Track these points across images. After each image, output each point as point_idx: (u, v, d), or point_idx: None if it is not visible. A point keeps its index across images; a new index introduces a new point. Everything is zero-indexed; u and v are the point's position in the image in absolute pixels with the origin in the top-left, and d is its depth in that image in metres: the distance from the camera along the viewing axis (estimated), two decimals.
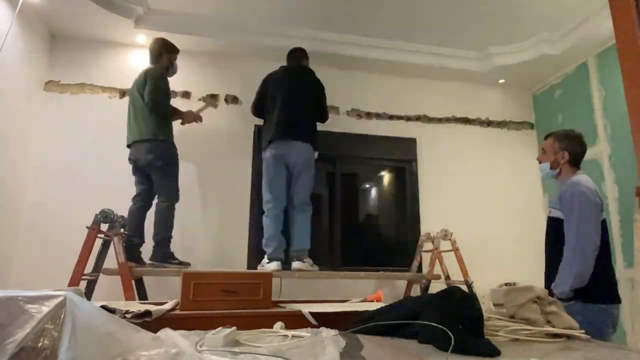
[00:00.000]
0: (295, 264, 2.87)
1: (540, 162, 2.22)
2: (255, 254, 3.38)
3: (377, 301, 2.13)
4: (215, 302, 1.49)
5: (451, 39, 3.73)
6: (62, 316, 0.76)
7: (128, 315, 1.21)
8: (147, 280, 2.83)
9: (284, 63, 3.89)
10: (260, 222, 3.18)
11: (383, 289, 3.12)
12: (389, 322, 1.16)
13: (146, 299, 2.67)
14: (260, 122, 3.31)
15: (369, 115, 3.91)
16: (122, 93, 3.45)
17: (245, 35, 3.56)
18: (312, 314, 1.40)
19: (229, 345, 1.00)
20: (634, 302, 3.02)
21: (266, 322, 1.30)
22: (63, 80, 3.38)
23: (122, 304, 1.46)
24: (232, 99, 3.67)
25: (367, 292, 2.98)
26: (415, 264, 3.37)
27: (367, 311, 1.35)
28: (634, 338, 2.97)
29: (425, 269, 3.32)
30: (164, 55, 3.06)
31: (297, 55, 3.28)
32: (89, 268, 2.62)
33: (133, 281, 2.58)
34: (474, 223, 3.77)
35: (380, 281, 3.43)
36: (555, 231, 2.05)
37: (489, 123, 4.18)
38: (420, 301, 1.21)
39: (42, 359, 0.71)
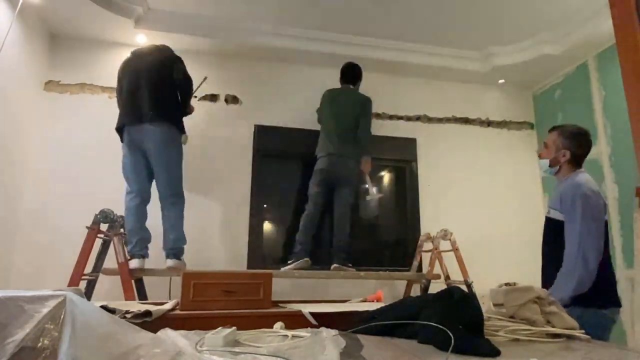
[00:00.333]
0: (168, 262, 2.68)
1: (540, 157, 2.12)
2: (255, 254, 3.39)
3: (377, 301, 2.14)
4: (215, 302, 1.49)
5: (451, 39, 3.73)
6: (62, 316, 0.76)
7: (128, 315, 1.21)
8: (147, 280, 2.83)
9: (284, 63, 3.91)
10: (261, 221, 3.18)
11: (383, 289, 3.11)
12: (389, 322, 1.16)
13: (146, 299, 2.67)
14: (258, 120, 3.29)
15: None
16: None
17: (245, 35, 3.56)
18: (312, 314, 1.40)
19: (229, 345, 1.00)
20: (634, 302, 3.01)
21: (266, 322, 1.31)
22: (63, 80, 3.38)
23: (122, 304, 1.46)
24: (232, 99, 3.67)
25: (367, 292, 2.98)
26: (415, 264, 3.37)
27: (367, 311, 1.35)
28: (634, 338, 2.97)
29: (425, 269, 3.32)
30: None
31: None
32: (89, 268, 2.62)
33: (133, 281, 2.58)
34: (473, 223, 3.77)
35: (380, 281, 3.43)
36: (553, 233, 1.95)
37: (489, 123, 4.18)
38: (420, 301, 1.21)
39: (42, 359, 0.71)
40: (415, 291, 3.32)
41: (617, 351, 1.00)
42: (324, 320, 1.38)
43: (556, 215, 1.94)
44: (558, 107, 3.99)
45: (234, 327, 1.12)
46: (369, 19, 3.46)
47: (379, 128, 3.89)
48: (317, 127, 3.61)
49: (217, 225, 3.37)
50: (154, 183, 2.77)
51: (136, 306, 1.41)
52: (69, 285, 2.38)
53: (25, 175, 3.11)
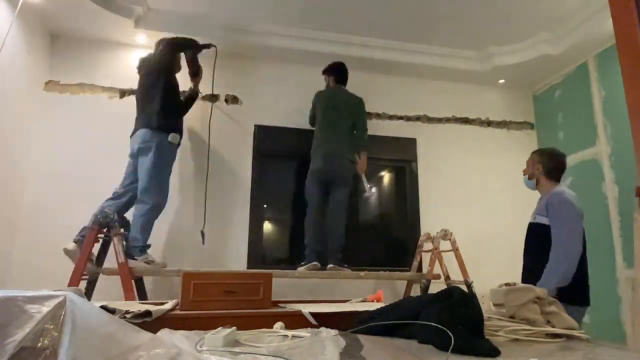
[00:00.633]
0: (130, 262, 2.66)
1: (523, 174, 2.50)
2: (255, 254, 3.39)
3: (377, 301, 2.14)
4: (215, 302, 1.49)
5: (451, 39, 3.73)
6: (62, 316, 0.76)
7: (128, 315, 1.21)
8: (147, 280, 2.83)
9: (284, 62, 3.90)
10: (261, 221, 3.17)
11: (383, 289, 3.11)
12: (389, 322, 1.16)
13: (146, 299, 2.67)
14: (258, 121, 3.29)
15: (369, 115, 3.90)
16: (122, 93, 3.45)
17: (245, 35, 3.56)
18: (312, 314, 1.40)
19: (229, 345, 1.00)
20: (634, 302, 3.01)
21: (266, 322, 1.31)
22: (63, 80, 3.38)
23: (122, 304, 1.46)
24: (232, 99, 3.67)
25: (367, 292, 2.99)
26: (415, 264, 3.37)
27: (367, 311, 1.35)
28: (634, 338, 2.97)
29: (425, 269, 3.32)
30: None
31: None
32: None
33: (133, 281, 2.57)
34: (474, 223, 3.77)
35: (380, 281, 3.43)
36: (538, 236, 2.24)
37: (489, 123, 4.18)
38: (420, 301, 1.21)
39: (42, 359, 0.71)
40: (415, 291, 3.32)
41: (617, 351, 1.00)
42: (324, 320, 1.38)
43: (543, 220, 2.23)
44: (558, 107, 3.99)
45: (234, 327, 1.12)
46: (369, 19, 3.46)
47: (379, 128, 3.90)
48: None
49: (217, 225, 3.37)
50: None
51: (136, 306, 1.41)
52: (69, 285, 2.38)
53: (25, 175, 3.11)
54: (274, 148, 3.68)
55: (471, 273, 3.06)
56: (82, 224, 2.65)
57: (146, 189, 2.77)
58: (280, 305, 1.73)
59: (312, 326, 1.35)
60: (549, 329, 1.16)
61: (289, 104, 3.75)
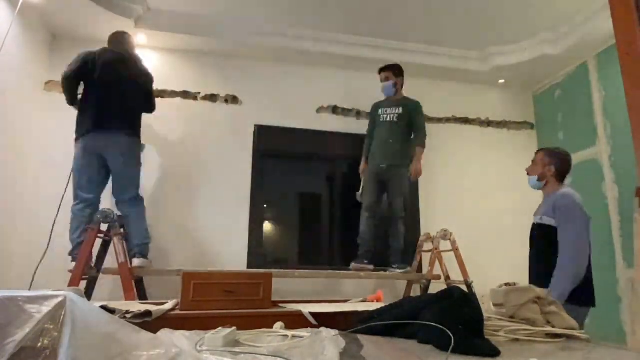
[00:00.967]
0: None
1: (528, 174, 2.42)
2: (255, 254, 3.39)
3: (377, 301, 2.13)
4: (215, 302, 1.49)
5: (451, 39, 3.73)
6: (62, 316, 0.76)
7: (128, 316, 1.21)
8: (147, 280, 2.83)
9: (284, 63, 3.89)
10: (260, 221, 3.17)
11: (383, 289, 3.11)
12: (389, 322, 1.16)
13: (146, 299, 2.67)
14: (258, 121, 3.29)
15: (369, 115, 3.90)
16: None
17: (245, 35, 3.56)
18: (312, 314, 1.40)
19: (229, 345, 1.00)
20: (634, 302, 3.01)
21: (266, 322, 1.30)
22: None
23: (122, 304, 1.46)
24: (232, 99, 3.67)
25: (367, 292, 2.98)
26: (415, 264, 3.37)
27: (367, 311, 1.35)
28: (634, 338, 2.97)
29: (425, 269, 3.32)
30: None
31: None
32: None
33: (133, 281, 2.57)
34: (474, 223, 3.77)
35: (380, 281, 3.43)
36: (544, 237, 2.21)
37: (489, 123, 4.18)
38: (420, 301, 1.21)
39: (42, 359, 0.71)
40: (415, 291, 3.32)
41: (617, 351, 1.00)
42: (324, 320, 1.37)
43: (550, 221, 2.19)
44: (558, 107, 3.99)
45: (234, 327, 1.12)
46: (369, 19, 3.46)
47: None
48: (317, 127, 3.64)
49: (217, 225, 3.37)
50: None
51: (136, 306, 1.41)
52: (69, 285, 2.38)
53: (25, 175, 3.10)
54: (274, 148, 3.68)
55: (471, 273, 3.06)
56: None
57: (137, 193, 2.80)
58: (280, 305, 1.73)
59: (312, 326, 1.35)
60: (549, 329, 1.16)
61: (289, 104, 3.75)
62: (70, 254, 2.62)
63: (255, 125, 3.64)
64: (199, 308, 1.46)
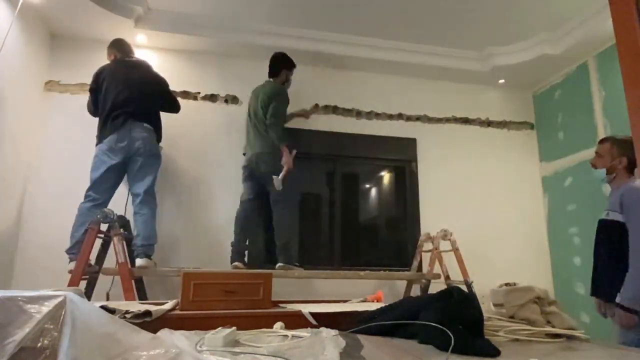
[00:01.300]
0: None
1: (595, 167, 2.18)
2: (255, 254, 3.38)
3: (377, 301, 2.14)
4: (215, 302, 1.49)
5: (451, 39, 3.73)
6: (62, 316, 0.76)
7: (128, 316, 1.21)
8: (148, 280, 2.83)
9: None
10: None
11: (383, 289, 3.11)
12: (389, 322, 1.16)
13: (146, 299, 2.67)
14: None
15: (369, 115, 3.90)
16: None
17: (245, 35, 3.56)
18: (312, 314, 1.40)
19: (229, 345, 1.00)
20: None
21: (266, 322, 1.31)
22: (63, 80, 3.38)
23: (122, 304, 1.46)
24: (232, 99, 3.67)
25: (367, 292, 2.98)
26: (415, 264, 3.37)
27: (367, 311, 1.35)
28: None
29: (425, 269, 3.32)
30: (283, 70, 3.24)
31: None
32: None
33: (133, 281, 2.57)
34: (473, 223, 3.77)
35: (380, 281, 3.43)
36: (610, 234, 2.02)
37: (489, 123, 4.18)
38: (420, 301, 1.21)
39: (42, 359, 0.71)
40: (415, 291, 3.32)
41: (617, 351, 1.00)
42: (324, 320, 1.37)
43: (617, 217, 1.99)
44: (558, 107, 3.99)
45: (234, 327, 1.12)
46: (369, 19, 3.46)
47: (379, 128, 3.90)
48: (317, 127, 3.63)
49: (217, 225, 3.37)
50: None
51: (136, 306, 1.41)
52: (69, 285, 2.38)
53: (25, 174, 3.10)
54: None
55: (471, 273, 3.06)
56: None
57: (152, 191, 2.85)
58: (280, 305, 1.73)
59: (312, 326, 1.35)
60: (549, 329, 1.16)
61: (289, 103, 3.74)
62: (67, 251, 2.62)
63: None
64: (199, 308, 1.47)
